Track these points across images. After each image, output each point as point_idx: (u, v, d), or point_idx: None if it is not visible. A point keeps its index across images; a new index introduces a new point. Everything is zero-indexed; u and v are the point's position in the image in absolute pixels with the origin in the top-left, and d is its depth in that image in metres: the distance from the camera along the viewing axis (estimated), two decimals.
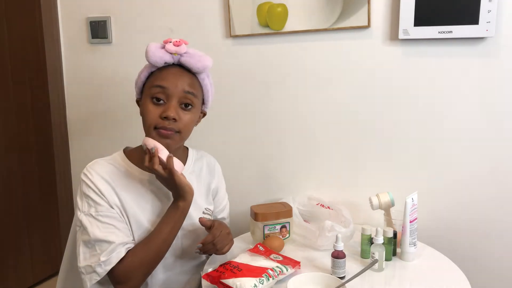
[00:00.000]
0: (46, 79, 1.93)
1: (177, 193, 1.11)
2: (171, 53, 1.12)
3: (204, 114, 1.26)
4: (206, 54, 1.17)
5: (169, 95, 1.10)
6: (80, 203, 1.10)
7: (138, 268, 1.07)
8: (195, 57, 1.13)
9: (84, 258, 1.07)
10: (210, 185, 1.31)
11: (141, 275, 1.08)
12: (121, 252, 1.05)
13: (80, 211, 1.09)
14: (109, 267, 1.04)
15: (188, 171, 1.25)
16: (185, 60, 1.13)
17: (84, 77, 1.93)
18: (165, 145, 1.09)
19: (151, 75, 1.15)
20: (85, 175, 1.11)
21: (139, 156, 1.17)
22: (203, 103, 1.21)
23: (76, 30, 1.91)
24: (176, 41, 1.11)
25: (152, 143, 1.07)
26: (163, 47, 1.12)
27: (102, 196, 1.09)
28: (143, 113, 1.13)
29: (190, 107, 1.14)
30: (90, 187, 1.09)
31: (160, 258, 1.11)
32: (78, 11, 1.89)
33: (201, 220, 1.16)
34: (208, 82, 1.20)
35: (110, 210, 1.09)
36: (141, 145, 1.18)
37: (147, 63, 1.15)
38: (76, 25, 1.90)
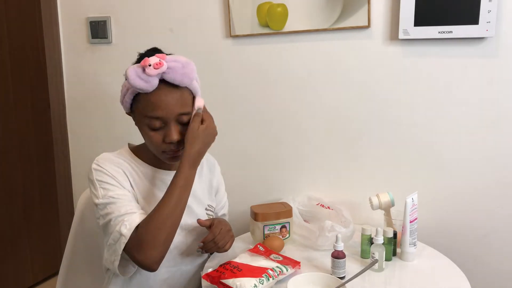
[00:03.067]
0: (46, 79, 1.93)
1: (204, 150, 1.13)
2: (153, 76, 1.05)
3: None
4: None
5: (166, 121, 1.08)
6: (96, 192, 1.09)
7: (156, 231, 1.02)
8: (178, 72, 1.05)
9: (111, 232, 1.05)
10: (212, 182, 1.32)
11: (161, 241, 1.03)
12: (138, 214, 1.05)
13: (98, 199, 1.08)
14: (134, 224, 1.03)
15: None
16: (169, 77, 1.05)
17: (84, 77, 1.93)
18: (175, 164, 1.16)
19: (137, 96, 1.09)
20: (97, 165, 1.11)
21: (145, 153, 1.18)
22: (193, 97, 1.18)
23: (76, 30, 1.91)
24: (156, 64, 1.03)
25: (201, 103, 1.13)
26: (143, 71, 1.04)
27: (117, 179, 1.10)
28: (145, 139, 1.13)
29: (186, 120, 1.12)
30: (104, 173, 1.09)
31: (175, 224, 1.06)
32: (78, 11, 1.89)
33: (199, 222, 1.17)
34: (195, 81, 1.14)
35: (126, 191, 1.10)
36: (144, 142, 1.18)
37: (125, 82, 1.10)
38: (76, 25, 1.90)
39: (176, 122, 1.09)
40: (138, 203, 1.13)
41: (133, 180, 1.14)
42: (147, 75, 1.03)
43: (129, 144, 1.23)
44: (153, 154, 1.16)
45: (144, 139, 1.14)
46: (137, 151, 1.20)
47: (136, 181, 1.15)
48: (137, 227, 1.04)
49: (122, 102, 1.13)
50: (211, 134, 1.14)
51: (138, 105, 1.09)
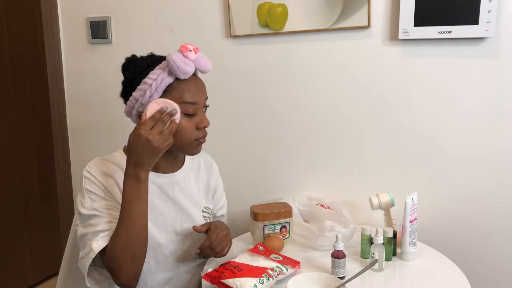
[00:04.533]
0: (46, 79, 1.94)
1: (146, 161, 1.02)
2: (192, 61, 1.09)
3: None
4: (207, 54, 1.16)
5: (199, 106, 1.12)
6: (82, 200, 1.09)
7: (122, 253, 1.01)
8: (203, 59, 1.11)
9: (85, 246, 1.07)
10: (209, 183, 1.31)
11: (128, 261, 1.02)
12: (107, 233, 1.05)
13: (83, 207, 1.08)
14: (104, 242, 1.03)
15: (187, 169, 1.25)
16: (199, 65, 1.10)
17: (84, 77, 1.93)
18: (200, 150, 1.15)
19: (169, 87, 1.08)
20: (87, 171, 1.11)
21: None
22: None
23: (76, 30, 1.91)
24: (195, 49, 1.09)
25: (174, 105, 1.04)
26: (185, 56, 1.07)
27: (105, 190, 1.09)
28: (176, 131, 1.06)
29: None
30: (93, 182, 1.09)
31: (142, 239, 1.04)
32: (78, 11, 1.89)
33: (195, 229, 1.16)
34: None
35: (113, 203, 1.09)
36: None
37: (162, 68, 1.08)
38: (76, 25, 1.90)
39: (203, 108, 1.14)
40: None
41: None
42: (190, 59, 1.07)
43: (124, 146, 1.22)
44: None
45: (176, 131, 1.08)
46: None
47: None
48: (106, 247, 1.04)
49: (146, 99, 1.07)
50: (142, 143, 1.00)
51: (172, 94, 1.08)
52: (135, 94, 1.09)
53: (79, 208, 1.09)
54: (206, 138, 1.15)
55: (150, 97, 1.07)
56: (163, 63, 1.09)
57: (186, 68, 1.06)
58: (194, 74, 1.13)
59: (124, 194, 1.03)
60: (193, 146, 1.13)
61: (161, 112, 1.02)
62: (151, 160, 1.02)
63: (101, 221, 1.06)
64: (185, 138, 1.10)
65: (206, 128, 1.14)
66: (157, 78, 1.07)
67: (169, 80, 1.08)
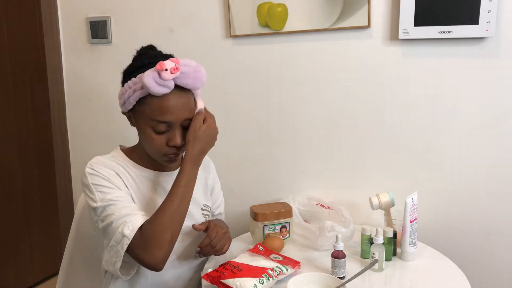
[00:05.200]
0: (46, 79, 1.94)
1: (206, 148, 1.14)
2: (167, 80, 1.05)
3: None
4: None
5: (172, 125, 1.09)
6: (92, 196, 1.08)
7: (162, 231, 1.03)
8: (190, 76, 1.06)
9: (113, 235, 1.05)
10: (207, 181, 1.32)
11: (166, 240, 1.04)
12: (140, 215, 1.06)
13: (95, 203, 1.07)
14: (137, 225, 1.03)
15: None
16: (182, 82, 1.05)
17: (84, 77, 1.93)
18: (171, 166, 1.19)
19: (144, 99, 1.07)
20: (91, 168, 1.10)
21: (138, 154, 1.18)
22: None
23: (76, 30, 1.91)
24: (173, 68, 1.03)
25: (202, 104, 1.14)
26: (159, 76, 1.02)
27: (112, 182, 1.09)
28: (146, 141, 1.11)
29: (188, 124, 1.12)
30: (99, 176, 1.08)
31: (181, 221, 1.08)
32: (78, 11, 1.89)
33: (194, 227, 1.16)
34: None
35: (123, 193, 1.09)
36: (138, 144, 1.18)
37: (136, 81, 1.07)
38: (76, 25, 1.90)
39: (180, 126, 1.10)
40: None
41: (127, 182, 1.13)
42: (163, 79, 1.02)
43: (120, 146, 1.22)
44: (147, 156, 1.16)
45: (144, 141, 1.13)
46: (130, 153, 1.19)
47: (131, 184, 1.13)
48: (140, 227, 1.03)
49: (123, 102, 1.11)
50: (213, 134, 1.15)
51: (145, 107, 1.07)
52: (120, 90, 1.12)
53: (91, 204, 1.08)
54: (178, 155, 1.12)
55: (124, 103, 1.11)
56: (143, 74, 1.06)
57: (157, 89, 1.02)
58: (177, 89, 1.06)
59: (180, 178, 1.09)
60: (163, 160, 1.13)
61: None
62: (209, 148, 1.15)
63: (118, 208, 1.05)
64: (153, 150, 1.11)
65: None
66: (132, 87, 1.07)
67: (141, 93, 1.06)
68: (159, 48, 1.18)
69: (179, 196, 1.07)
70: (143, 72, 1.06)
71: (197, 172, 1.12)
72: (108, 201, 1.06)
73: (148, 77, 1.02)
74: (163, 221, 1.04)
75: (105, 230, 1.07)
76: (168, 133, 1.09)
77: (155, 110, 1.06)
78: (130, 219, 1.04)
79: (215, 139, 1.16)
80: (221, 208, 1.40)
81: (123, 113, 1.16)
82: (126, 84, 1.10)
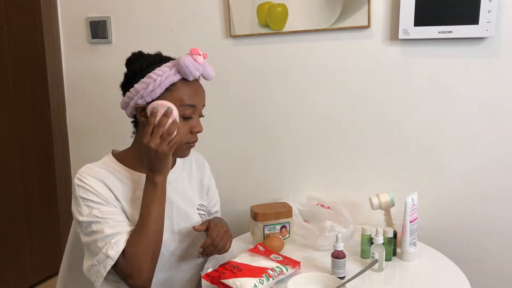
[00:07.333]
0: (46, 79, 1.93)
1: (158, 167, 1.07)
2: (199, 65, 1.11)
3: None
4: (208, 53, 1.16)
5: (195, 111, 1.14)
6: (79, 209, 1.08)
7: (143, 255, 1.04)
8: (208, 67, 1.14)
9: (96, 253, 1.05)
10: (203, 181, 1.32)
11: (148, 263, 1.05)
12: (124, 234, 1.05)
13: (81, 216, 1.07)
14: (121, 247, 1.03)
15: (179, 169, 1.25)
16: (205, 71, 1.14)
17: (84, 77, 1.93)
18: (188, 154, 1.17)
19: (172, 86, 1.10)
20: (79, 180, 1.09)
21: (130, 159, 1.17)
22: None
23: (76, 30, 1.91)
24: (204, 54, 1.12)
25: (166, 103, 1.07)
26: (194, 59, 1.10)
27: (101, 196, 1.08)
28: None
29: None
30: (87, 189, 1.08)
31: (160, 239, 1.08)
32: (78, 11, 1.89)
33: (195, 228, 1.16)
34: None
35: (111, 207, 1.09)
36: (130, 147, 1.19)
37: (168, 67, 1.10)
38: (76, 25, 1.90)
39: (198, 114, 1.15)
40: (125, 213, 1.11)
41: (118, 190, 1.12)
42: (198, 63, 1.10)
43: (113, 150, 1.21)
44: (140, 159, 1.14)
45: None
46: (121, 157, 1.18)
47: (122, 190, 1.12)
48: (123, 250, 1.04)
49: (148, 93, 1.09)
50: (151, 152, 1.05)
51: (173, 94, 1.10)
52: (137, 86, 1.10)
53: (77, 216, 1.08)
54: (202, 140, 1.16)
55: (152, 91, 1.09)
56: (170, 62, 1.12)
57: (194, 71, 1.09)
58: (197, 80, 1.15)
59: (143, 197, 1.08)
60: (183, 149, 1.14)
61: (154, 116, 1.05)
62: (162, 164, 1.07)
63: (104, 227, 1.05)
64: (177, 140, 1.10)
65: (199, 134, 1.15)
66: (162, 75, 1.09)
67: (174, 78, 1.10)
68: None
69: (147, 216, 1.06)
70: (153, 69, 1.10)
71: (159, 187, 1.07)
72: (94, 217, 1.06)
73: (187, 60, 1.08)
74: (145, 245, 1.04)
75: (88, 246, 1.08)
76: (190, 121, 1.12)
77: (186, 93, 1.11)
78: (115, 239, 1.04)
79: (156, 153, 1.05)
80: (217, 206, 1.40)
81: (137, 107, 1.11)
82: (152, 74, 1.09)
